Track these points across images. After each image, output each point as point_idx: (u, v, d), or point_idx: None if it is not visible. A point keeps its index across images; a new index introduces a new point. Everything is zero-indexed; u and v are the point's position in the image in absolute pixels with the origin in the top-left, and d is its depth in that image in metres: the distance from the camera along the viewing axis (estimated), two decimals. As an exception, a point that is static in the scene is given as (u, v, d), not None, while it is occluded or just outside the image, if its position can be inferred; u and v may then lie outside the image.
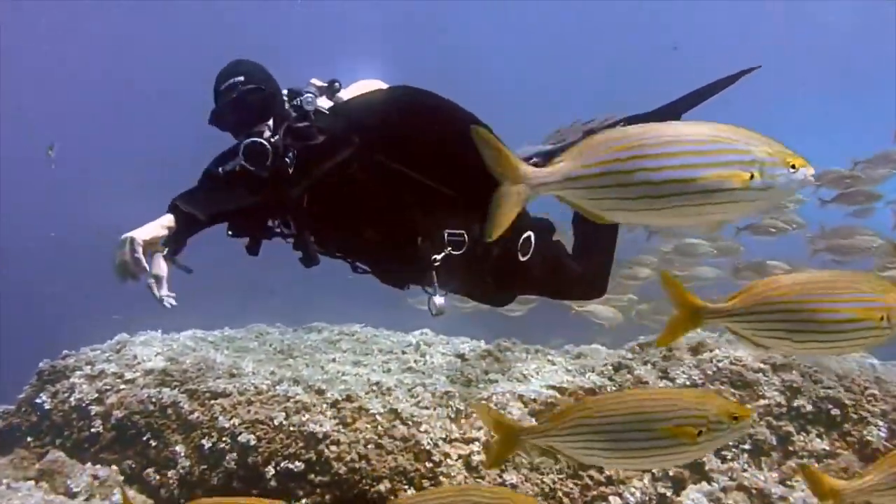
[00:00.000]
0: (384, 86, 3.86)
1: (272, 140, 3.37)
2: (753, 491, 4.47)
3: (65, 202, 21.84)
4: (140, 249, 3.06)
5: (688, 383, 5.17)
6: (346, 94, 3.72)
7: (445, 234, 3.67)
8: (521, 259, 3.90)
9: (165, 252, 3.47)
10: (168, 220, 3.20)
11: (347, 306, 9.30)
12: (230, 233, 3.59)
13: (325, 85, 3.66)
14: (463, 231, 3.71)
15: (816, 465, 4.63)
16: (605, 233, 4.30)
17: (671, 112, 4.20)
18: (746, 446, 4.74)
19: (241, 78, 3.44)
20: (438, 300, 3.74)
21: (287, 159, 3.34)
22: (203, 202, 3.27)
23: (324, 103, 3.61)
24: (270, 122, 3.45)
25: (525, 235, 3.89)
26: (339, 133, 3.46)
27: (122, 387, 5.21)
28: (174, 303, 3.30)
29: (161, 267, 3.36)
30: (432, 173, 3.62)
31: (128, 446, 4.95)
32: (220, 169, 3.44)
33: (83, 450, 4.98)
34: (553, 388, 5.37)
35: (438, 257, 3.65)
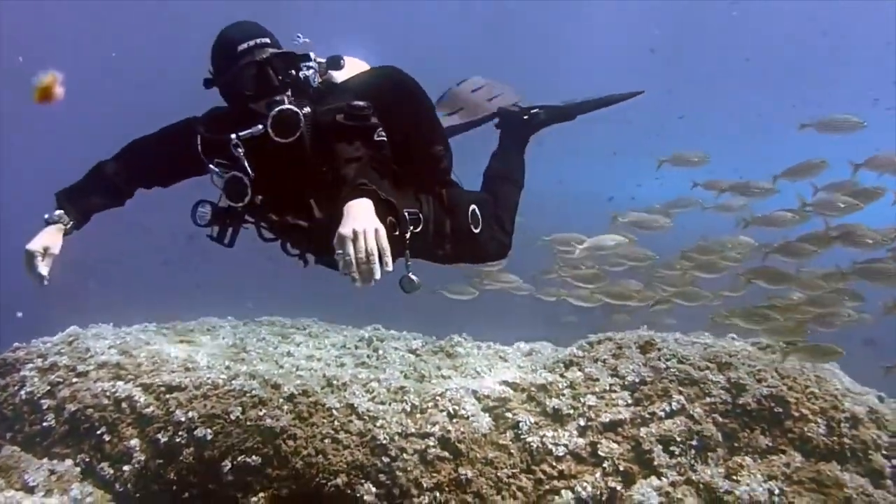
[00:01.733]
0: (365, 65, 3.93)
1: (303, 111, 3.37)
2: (700, 485, 4.62)
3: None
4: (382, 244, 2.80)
5: (636, 380, 5.30)
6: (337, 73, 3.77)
7: (407, 213, 3.76)
8: (475, 231, 4.09)
9: (69, 225, 3.47)
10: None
11: (294, 299, 9.29)
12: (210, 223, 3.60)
13: (324, 61, 3.65)
14: (416, 209, 3.81)
15: (759, 460, 4.80)
16: (512, 195, 4.59)
17: (568, 112, 4.90)
18: (694, 442, 4.88)
19: (267, 40, 3.40)
20: (414, 277, 3.85)
21: (379, 136, 3.40)
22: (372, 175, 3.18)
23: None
24: (289, 92, 3.42)
25: (471, 209, 4.09)
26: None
27: (75, 380, 5.16)
28: (46, 283, 3.29)
29: (55, 241, 3.36)
30: (400, 154, 3.70)
31: (81, 440, 4.90)
32: (235, 135, 3.35)
33: (35, 444, 4.91)
34: (506, 383, 5.46)
35: (408, 235, 3.74)
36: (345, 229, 2.79)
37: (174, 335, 6.43)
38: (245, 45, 3.34)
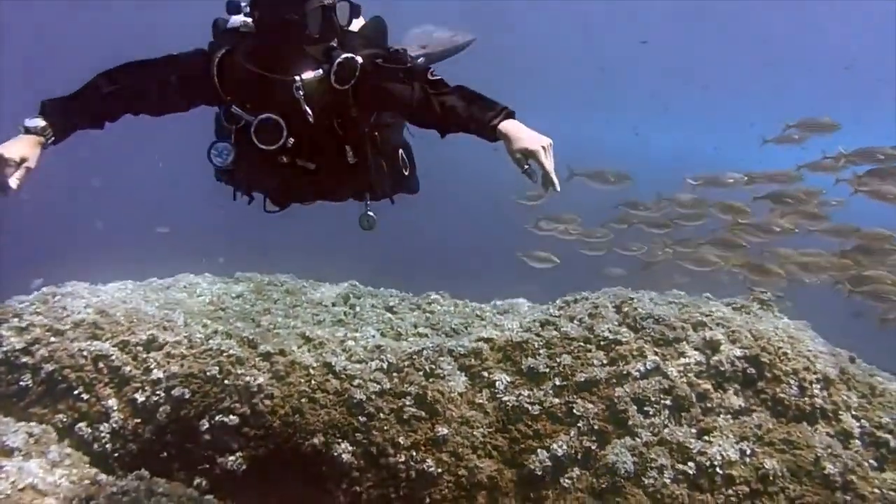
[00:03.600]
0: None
1: (357, 58, 3.45)
2: (674, 445, 4.68)
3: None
4: None
5: (612, 340, 5.33)
6: None
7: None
8: (405, 173, 4.24)
9: (52, 140, 3.28)
10: None
11: (271, 255, 9.27)
12: None
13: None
14: None
15: (732, 421, 4.86)
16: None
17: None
18: (668, 402, 4.93)
19: None
20: (372, 213, 4.01)
21: (434, 76, 3.53)
22: None
23: None
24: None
25: (400, 153, 4.22)
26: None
27: (52, 339, 5.10)
28: (11, 194, 3.08)
29: (34, 154, 3.17)
30: None
31: (59, 400, 4.86)
32: (299, 77, 3.42)
33: (12, 404, 4.87)
34: (483, 342, 5.48)
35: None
36: (533, 145, 3.09)
37: (151, 293, 6.39)
38: None
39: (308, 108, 3.45)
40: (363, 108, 3.67)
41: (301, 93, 3.41)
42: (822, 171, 8.10)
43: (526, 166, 3.12)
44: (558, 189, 3.15)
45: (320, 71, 3.42)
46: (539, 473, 4.68)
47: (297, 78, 3.41)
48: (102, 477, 4.31)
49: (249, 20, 3.54)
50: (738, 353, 5.12)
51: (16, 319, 5.24)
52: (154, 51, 3.63)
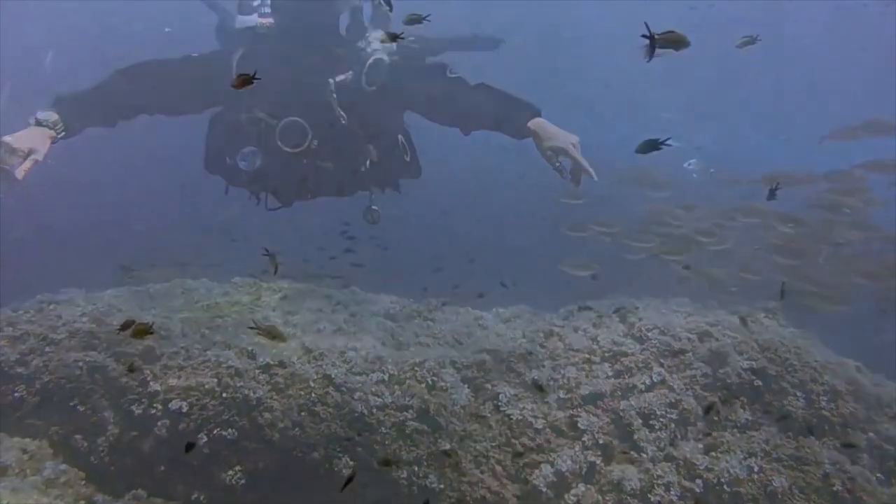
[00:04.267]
0: None
1: (384, 58, 3.53)
2: (680, 462, 4.61)
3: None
4: None
5: (617, 352, 5.27)
6: None
7: None
8: (406, 160, 4.21)
9: (62, 135, 3.27)
10: None
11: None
12: None
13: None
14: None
15: (740, 435, 4.79)
16: None
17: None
18: (674, 416, 4.86)
19: None
20: (376, 207, 4.03)
21: (453, 73, 3.64)
22: None
23: None
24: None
25: (399, 139, 4.17)
26: None
27: (47, 349, 5.00)
28: (18, 178, 3.01)
29: (43, 147, 3.12)
30: None
31: (54, 412, 4.77)
32: (332, 80, 3.47)
33: (6, 416, 4.79)
34: (486, 350, 5.40)
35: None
36: (563, 143, 3.18)
37: (148, 300, 6.29)
38: None
39: (341, 111, 3.50)
40: (384, 107, 3.70)
41: (335, 96, 3.41)
42: (878, 171, 7.89)
43: (557, 163, 3.21)
44: (596, 177, 3.18)
45: (351, 73, 3.48)
46: (543, 489, 4.61)
47: (331, 81, 3.47)
48: (99, 497, 4.23)
49: (265, 21, 3.52)
50: (745, 364, 5.05)
51: (10, 328, 5.14)
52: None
